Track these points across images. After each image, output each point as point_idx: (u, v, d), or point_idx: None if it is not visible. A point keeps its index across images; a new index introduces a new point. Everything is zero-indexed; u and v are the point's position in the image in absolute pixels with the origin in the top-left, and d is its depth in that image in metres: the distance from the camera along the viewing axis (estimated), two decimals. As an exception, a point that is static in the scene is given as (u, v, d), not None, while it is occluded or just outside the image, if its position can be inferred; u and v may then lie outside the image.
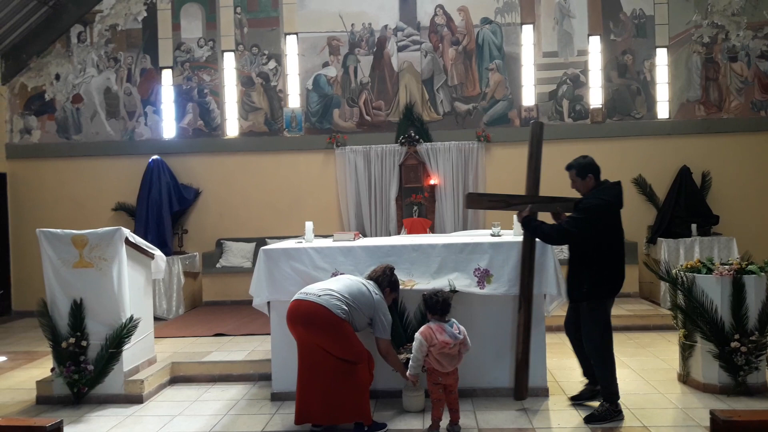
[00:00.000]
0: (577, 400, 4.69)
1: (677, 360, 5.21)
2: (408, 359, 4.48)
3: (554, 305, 5.10)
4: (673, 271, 5.14)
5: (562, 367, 5.62)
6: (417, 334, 4.15)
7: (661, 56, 9.07)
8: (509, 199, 4.99)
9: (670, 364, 5.53)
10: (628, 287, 8.28)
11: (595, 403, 4.49)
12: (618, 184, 4.51)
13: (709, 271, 4.95)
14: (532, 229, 4.52)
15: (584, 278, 4.37)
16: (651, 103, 9.08)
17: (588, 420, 4.32)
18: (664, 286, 7.58)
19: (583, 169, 4.55)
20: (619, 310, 7.52)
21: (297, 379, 4.26)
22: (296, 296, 4.29)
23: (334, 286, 4.29)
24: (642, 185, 8.93)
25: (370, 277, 4.51)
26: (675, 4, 8.99)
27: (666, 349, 6.13)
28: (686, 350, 5.05)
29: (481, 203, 5.95)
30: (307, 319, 4.14)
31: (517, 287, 4.79)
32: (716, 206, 8.61)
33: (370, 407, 4.23)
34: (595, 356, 4.41)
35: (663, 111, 9.10)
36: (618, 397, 4.38)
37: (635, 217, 8.91)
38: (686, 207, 8.46)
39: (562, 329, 6.99)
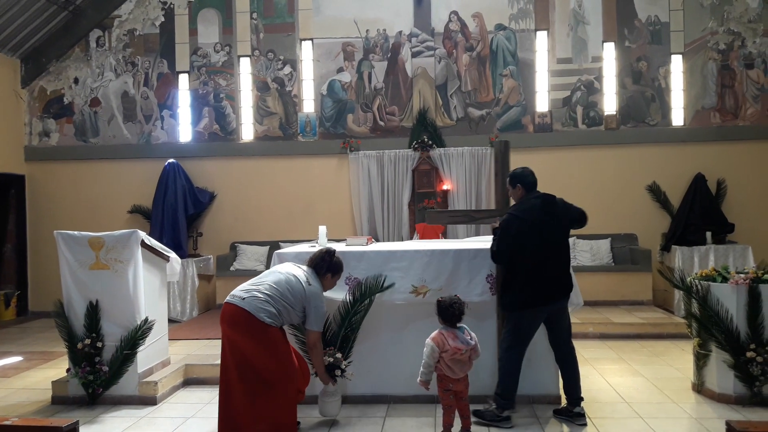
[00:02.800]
0: (557, 414, 4.63)
1: (691, 369, 5.18)
2: (331, 362, 4.51)
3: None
4: (688, 280, 5.10)
5: (574, 374, 5.59)
6: (428, 340, 4.12)
7: (677, 63, 9.03)
8: (473, 213, 5.28)
9: (684, 373, 5.49)
10: (642, 295, 8.28)
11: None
12: (539, 196, 4.44)
13: (725, 279, 4.91)
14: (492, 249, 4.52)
15: (503, 289, 4.48)
16: (666, 110, 9.03)
17: (474, 413, 4.38)
18: (677, 294, 7.53)
19: (512, 180, 4.58)
20: (632, 318, 7.49)
21: (219, 388, 4.06)
22: (227, 297, 4.11)
23: (262, 283, 4.09)
24: (656, 192, 8.88)
25: (309, 264, 4.33)
26: (691, 10, 8.96)
27: (680, 358, 6.09)
28: (701, 359, 5.01)
29: (442, 219, 6.02)
30: (232, 323, 3.96)
31: None
32: (731, 214, 8.54)
33: (294, 423, 4.09)
34: (501, 362, 4.47)
35: (678, 118, 9.05)
36: (508, 407, 4.39)
37: (649, 225, 8.89)
38: (701, 215, 8.40)
39: (575, 336, 7.00)
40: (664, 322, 7.32)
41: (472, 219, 5.25)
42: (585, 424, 4.42)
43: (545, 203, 4.42)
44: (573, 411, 4.49)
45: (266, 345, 3.96)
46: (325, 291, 4.38)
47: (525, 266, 4.34)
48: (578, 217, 4.54)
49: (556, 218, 4.43)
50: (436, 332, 4.17)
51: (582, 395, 4.54)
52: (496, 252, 4.44)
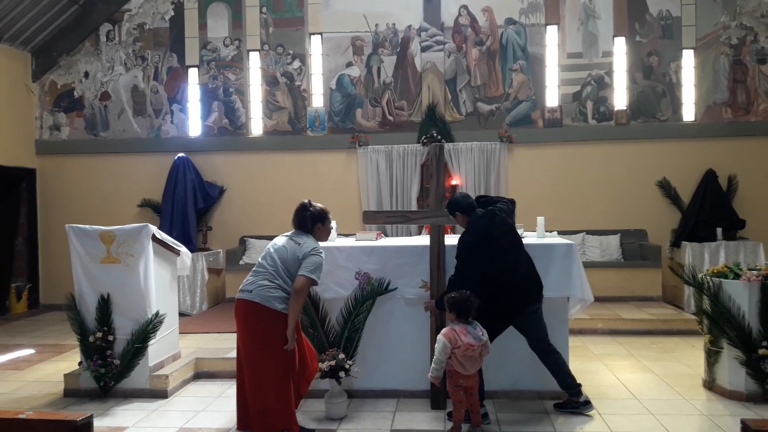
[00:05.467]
0: (559, 408, 4.64)
1: (702, 366, 5.16)
2: (331, 366, 4.47)
3: (577, 309, 5.07)
4: (699, 276, 5.07)
5: (584, 370, 5.58)
6: (440, 336, 4.11)
7: (688, 58, 8.96)
8: (409, 214, 5.34)
9: (695, 369, 5.48)
10: (652, 291, 8.26)
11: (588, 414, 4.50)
12: (484, 216, 4.43)
13: (736, 276, 4.88)
14: (446, 300, 4.33)
15: (487, 315, 4.32)
16: (676, 105, 8.97)
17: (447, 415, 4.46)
18: (687, 291, 7.50)
19: (450, 209, 4.58)
20: (641, 314, 7.47)
21: (236, 383, 4.12)
22: (237, 293, 4.07)
23: (262, 268, 4.01)
24: (666, 188, 8.83)
25: (294, 226, 4.20)
26: (702, 5, 8.87)
27: (690, 355, 6.07)
28: (712, 356, 4.99)
29: (378, 219, 6.01)
30: (245, 317, 3.96)
31: (547, 290, 4.75)
32: (742, 210, 8.49)
33: (295, 416, 4.02)
34: None
35: (689, 113, 8.99)
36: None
37: (659, 220, 8.84)
38: (711, 211, 8.35)
39: (584, 332, 7.03)
40: (674, 318, 7.29)
41: (407, 219, 5.27)
42: (592, 410, 4.43)
43: (491, 218, 4.42)
44: (579, 401, 4.50)
45: (275, 335, 3.90)
46: (323, 242, 4.27)
47: (493, 281, 4.31)
48: (512, 211, 4.61)
49: (504, 227, 4.43)
50: (447, 328, 4.16)
51: (576, 381, 4.55)
52: (456, 282, 4.33)
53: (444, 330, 4.17)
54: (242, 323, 4.00)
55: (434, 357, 4.11)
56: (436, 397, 4.70)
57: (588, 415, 4.47)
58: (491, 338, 4.28)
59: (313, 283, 3.97)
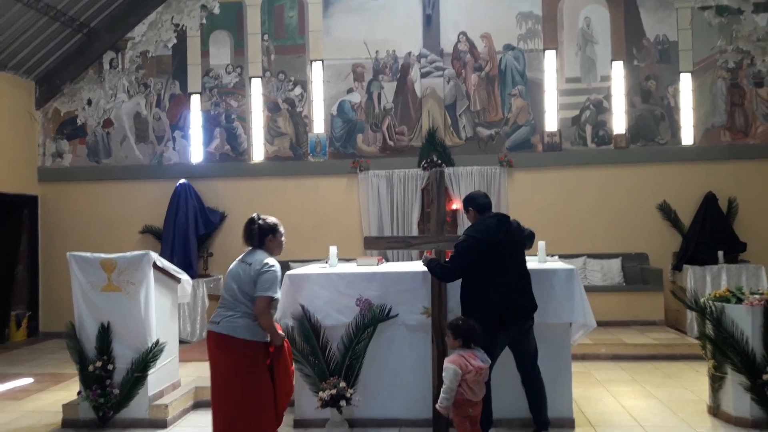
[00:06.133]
0: None
1: (706, 391, 5.11)
2: (332, 395, 4.43)
3: (579, 334, 5.03)
4: (702, 301, 5.05)
5: (588, 397, 5.54)
6: (448, 364, 4.00)
7: (686, 82, 9.04)
8: (410, 239, 5.41)
9: (699, 395, 5.43)
10: (654, 315, 8.21)
11: None
12: (493, 216, 4.49)
13: (739, 300, 4.86)
14: (431, 268, 4.54)
15: (464, 312, 4.39)
16: (675, 128, 9.03)
17: None
18: (690, 314, 7.46)
19: (465, 203, 4.67)
20: (645, 339, 7.42)
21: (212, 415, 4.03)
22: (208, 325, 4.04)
23: (225, 298, 3.99)
24: (666, 211, 8.84)
25: (247, 243, 4.16)
26: (699, 29, 8.98)
27: (694, 380, 6.01)
28: (716, 382, 4.94)
29: (379, 244, 6.00)
30: (215, 349, 3.93)
31: (549, 316, 4.74)
32: (743, 233, 8.48)
33: None
34: None
35: (687, 137, 9.03)
36: (483, 430, 4.31)
37: (660, 244, 8.83)
38: (712, 233, 8.35)
39: (587, 358, 6.98)
40: (677, 343, 7.25)
41: (409, 245, 5.32)
42: None
43: (500, 222, 4.46)
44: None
45: (244, 366, 3.86)
46: (277, 255, 4.16)
47: (483, 288, 4.33)
48: (529, 236, 4.61)
49: (512, 237, 4.45)
50: (454, 355, 4.07)
51: (548, 419, 4.46)
52: (447, 270, 4.42)
53: (451, 357, 4.07)
54: (213, 355, 3.96)
55: (444, 386, 3.98)
56: (438, 426, 4.65)
57: None
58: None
59: (272, 299, 3.91)
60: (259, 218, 4.18)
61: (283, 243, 4.20)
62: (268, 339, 3.99)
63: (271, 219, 4.19)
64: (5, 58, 8.77)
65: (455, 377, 3.95)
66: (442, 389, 4.00)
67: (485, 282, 4.33)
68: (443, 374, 4.02)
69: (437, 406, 4.06)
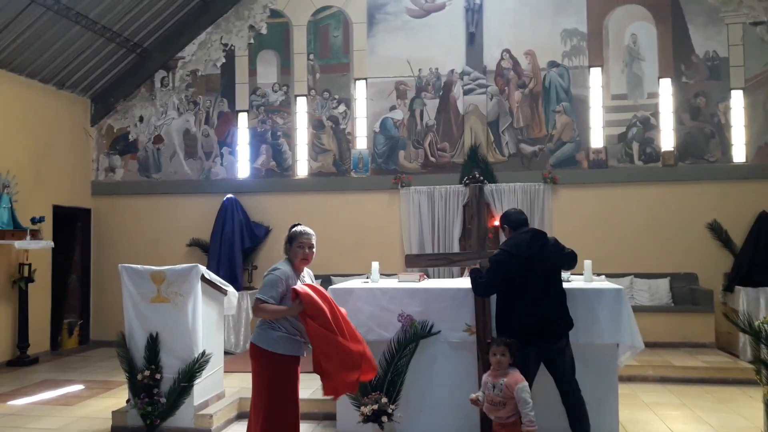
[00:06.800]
0: None
1: (761, 418, 4.91)
2: (374, 410, 4.45)
3: (627, 355, 4.94)
4: (756, 324, 4.88)
5: (635, 420, 5.40)
6: (521, 383, 3.99)
7: (737, 98, 8.81)
8: (452, 256, 5.47)
9: (754, 422, 5.23)
10: (704, 337, 7.96)
11: None
12: (528, 231, 4.48)
13: (795, 324, 4.69)
14: (471, 279, 4.58)
15: (498, 328, 4.41)
16: (726, 146, 8.79)
17: None
18: (743, 338, 7.20)
19: (501, 221, 4.72)
20: (695, 362, 7.20)
21: None
22: None
23: None
24: (717, 231, 8.59)
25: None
26: (751, 45, 8.76)
27: (748, 406, 5.80)
28: (771, 408, 4.76)
29: (420, 262, 5.97)
30: (250, 358, 4.03)
31: (596, 336, 4.66)
32: (800, 254, 8.16)
33: None
34: None
35: (739, 154, 8.79)
36: None
37: (710, 264, 8.58)
38: (766, 254, 8.08)
39: (634, 380, 6.80)
40: (729, 367, 7.00)
41: (450, 262, 5.38)
42: None
43: (534, 238, 4.44)
44: None
45: (270, 376, 3.90)
46: (297, 264, 4.15)
47: (515, 302, 4.33)
48: (569, 256, 4.53)
49: (547, 253, 4.41)
50: (517, 373, 4.06)
51: None
52: (481, 284, 4.48)
53: (517, 375, 4.04)
54: (251, 364, 4.05)
55: (527, 403, 3.94)
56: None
57: None
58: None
59: (260, 301, 3.90)
60: (295, 226, 4.26)
61: (307, 253, 4.17)
62: (303, 353, 4.02)
63: (297, 228, 4.23)
64: (64, 77, 9.18)
65: (529, 392, 3.99)
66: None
67: (517, 297, 4.33)
68: (522, 394, 3.95)
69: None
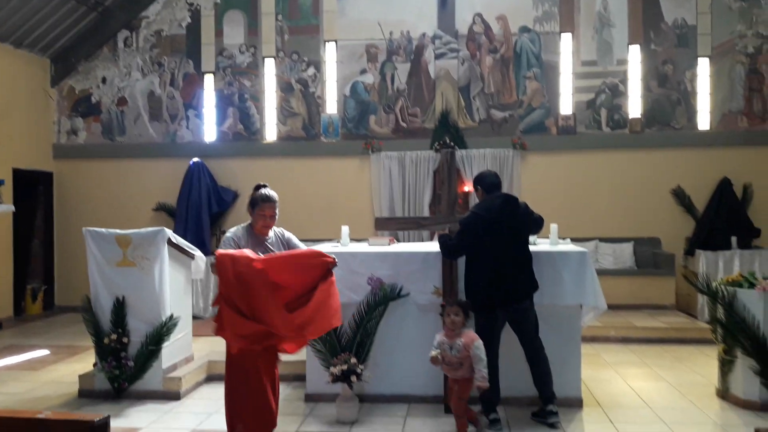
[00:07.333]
0: (534, 417, 4.57)
1: (716, 375, 5.12)
2: (343, 370, 4.49)
3: (590, 316, 5.06)
4: (714, 285, 5.04)
5: (597, 378, 5.57)
6: (479, 343, 4.11)
7: (703, 66, 8.93)
8: (421, 220, 5.58)
9: (709, 378, 5.43)
10: (665, 299, 8.21)
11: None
12: (500, 196, 4.56)
13: (751, 285, 4.85)
14: (440, 243, 4.65)
15: (466, 289, 4.51)
16: (691, 113, 8.94)
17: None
18: (701, 299, 7.45)
19: (474, 182, 4.77)
20: (655, 323, 7.43)
21: None
22: None
23: None
24: (681, 196, 8.79)
25: None
26: (718, 13, 8.84)
27: (704, 364, 6.02)
28: (726, 365, 4.95)
29: (390, 225, 6.03)
30: None
31: (560, 298, 4.76)
32: (758, 219, 8.42)
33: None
34: None
35: (704, 122, 8.95)
36: (490, 407, 4.37)
37: (673, 229, 8.80)
38: (726, 219, 8.30)
39: (597, 340, 7.00)
40: (687, 327, 7.26)
41: (420, 226, 5.44)
42: (557, 422, 4.38)
43: (505, 203, 4.51)
44: (545, 409, 4.46)
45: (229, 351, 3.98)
46: (257, 229, 4.16)
47: (482, 265, 4.40)
48: (536, 221, 4.62)
49: (517, 218, 4.49)
50: (471, 331, 4.21)
51: (554, 393, 4.49)
52: (451, 246, 4.54)
53: (472, 333, 4.19)
54: None
55: (481, 360, 4.06)
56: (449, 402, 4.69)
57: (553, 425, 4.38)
58: (476, 317, 4.41)
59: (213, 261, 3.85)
60: (260, 187, 4.20)
61: (267, 222, 4.15)
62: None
63: (262, 194, 4.14)
64: (21, 36, 8.82)
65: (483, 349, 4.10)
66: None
67: (485, 260, 4.40)
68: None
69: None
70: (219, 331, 3.86)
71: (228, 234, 4.14)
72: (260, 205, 4.11)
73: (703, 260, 7.92)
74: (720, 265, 7.82)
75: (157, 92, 9.62)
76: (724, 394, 4.98)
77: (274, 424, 3.99)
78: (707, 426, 4.46)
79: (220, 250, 3.86)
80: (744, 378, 4.76)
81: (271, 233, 4.24)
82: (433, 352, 4.16)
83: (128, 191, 9.57)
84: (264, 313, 3.69)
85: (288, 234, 4.36)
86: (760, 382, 4.66)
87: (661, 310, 8.10)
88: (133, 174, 9.61)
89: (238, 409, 3.94)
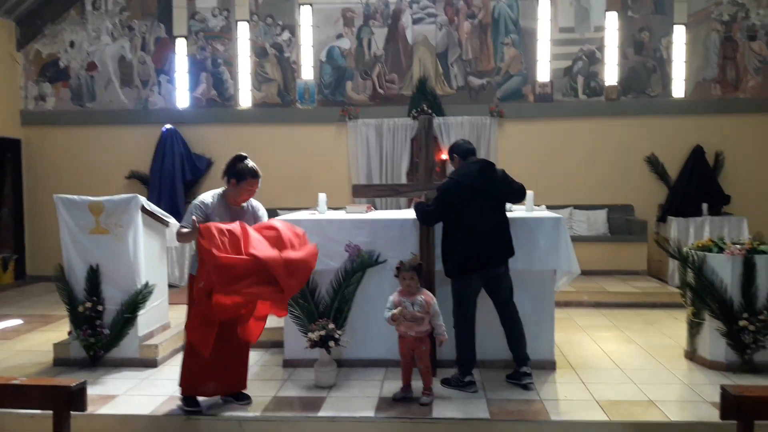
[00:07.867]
0: (509, 379, 4.66)
1: (684, 337, 5.26)
2: (321, 336, 4.52)
3: (563, 281, 5.14)
4: (684, 250, 5.15)
5: (569, 341, 5.69)
6: (436, 300, 4.29)
7: (679, 34, 8.96)
8: (399, 187, 5.56)
9: (677, 341, 5.59)
10: (637, 265, 8.37)
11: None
12: (476, 162, 4.60)
13: (720, 250, 4.96)
14: (416, 210, 4.70)
15: (443, 255, 4.56)
16: (667, 81, 9.00)
17: (442, 382, 4.53)
18: (672, 265, 7.61)
19: (450, 151, 4.80)
20: (627, 288, 7.59)
21: None
22: None
23: None
24: (654, 164, 8.91)
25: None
26: (695, -20, 8.85)
27: (673, 326, 6.18)
28: (694, 328, 5.09)
29: (367, 192, 6.06)
30: None
31: (534, 263, 4.82)
32: (728, 186, 8.59)
33: (189, 382, 4.20)
34: (454, 328, 4.55)
35: (678, 89, 9.02)
36: (466, 370, 4.48)
37: (646, 196, 8.93)
38: (698, 186, 8.46)
39: (570, 305, 7.12)
40: (658, 291, 7.43)
41: (397, 193, 5.45)
42: (531, 383, 4.48)
43: (482, 168, 4.54)
44: (520, 371, 4.56)
45: (191, 298, 4.16)
46: (231, 200, 4.17)
47: (460, 231, 4.44)
48: (519, 190, 4.65)
49: (494, 184, 4.52)
50: (426, 291, 4.35)
51: (528, 355, 4.58)
52: (428, 212, 4.57)
53: (427, 292, 4.33)
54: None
55: (440, 315, 4.24)
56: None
57: (527, 386, 4.48)
58: (452, 282, 4.52)
59: (181, 227, 4.08)
60: (244, 159, 4.18)
61: (251, 192, 4.18)
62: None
63: (248, 167, 4.14)
64: (-17, -4, 8.50)
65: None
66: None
67: (461, 226, 4.43)
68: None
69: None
70: (204, 296, 3.88)
71: (196, 201, 4.11)
72: (248, 180, 4.11)
73: (674, 227, 8.07)
74: (691, 232, 7.98)
75: (127, 57, 9.37)
76: (691, 355, 5.13)
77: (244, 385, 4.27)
78: (675, 386, 4.59)
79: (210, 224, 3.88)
80: (711, 340, 4.90)
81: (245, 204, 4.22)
82: (395, 311, 4.20)
83: (100, 159, 9.38)
84: (253, 249, 3.78)
85: (256, 203, 4.35)
86: (726, 344, 4.81)
87: (633, 276, 8.27)
88: (104, 141, 9.41)
89: (210, 368, 4.12)
